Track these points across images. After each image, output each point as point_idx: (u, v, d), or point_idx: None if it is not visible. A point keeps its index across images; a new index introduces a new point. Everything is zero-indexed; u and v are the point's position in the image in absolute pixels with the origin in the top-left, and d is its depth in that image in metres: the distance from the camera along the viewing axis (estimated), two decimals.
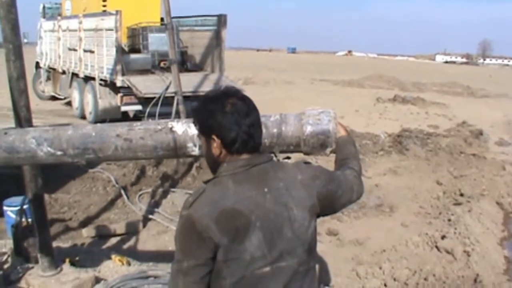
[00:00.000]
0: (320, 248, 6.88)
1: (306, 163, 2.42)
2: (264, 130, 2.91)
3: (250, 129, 2.18)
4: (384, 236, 7.91)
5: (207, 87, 13.31)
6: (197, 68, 15.36)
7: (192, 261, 2.08)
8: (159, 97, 12.33)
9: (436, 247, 7.06)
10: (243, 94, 2.27)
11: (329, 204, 2.38)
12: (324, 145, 2.98)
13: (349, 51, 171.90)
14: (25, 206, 5.53)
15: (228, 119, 2.15)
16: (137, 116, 13.91)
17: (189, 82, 13.25)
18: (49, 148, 3.28)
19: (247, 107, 2.21)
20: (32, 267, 5.29)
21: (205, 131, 2.24)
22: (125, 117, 14.14)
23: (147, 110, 12.67)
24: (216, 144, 2.19)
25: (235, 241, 2.06)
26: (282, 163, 2.41)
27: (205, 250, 2.07)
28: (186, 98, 11.28)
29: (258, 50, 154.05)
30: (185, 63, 15.35)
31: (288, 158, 5.84)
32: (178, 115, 10.85)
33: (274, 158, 2.38)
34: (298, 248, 2.20)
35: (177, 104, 11.13)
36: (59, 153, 3.29)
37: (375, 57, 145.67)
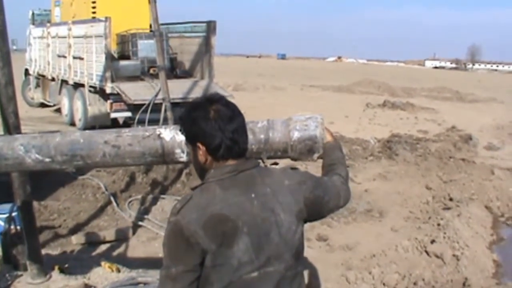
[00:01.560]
0: (310, 254, 6.91)
1: (293, 168, 2.43)
2: (251, 136, 2.93)
3: (234, 135, 2.18)
4: (374, 241, 7.92)
5: (196, 94, 13.34)
6: (187, 74, 15.38)
7: (180, 267, 2.09)
8: (149, 104, 12.34)
9: (426, 251, 7.07)
10: (227, 100, 2.28)
11: (316, 209, 2.38)
12: (312, 150, 3.00)
13: (339, 57, 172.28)
14: (13, 214, 5.51)
15: (212, 126, 2.16)
16: (127, 123, 13.91)
17: (179, 88, 13.27)
18: (37, 155, 3.28)
19: (231, 113, 2.22)
20: (21, 275, 5.27)
21: (190, 139, 2.26)
22: (114, 124, 14.13)
23: (137, 116, 12.67)
24: (201, 152, 2.20)
25: (222, 247, 2.07)
26: (269, 168, 2.42)
27: (193, 256, 2.08)
28: (175, 104, 11.28)
29: (248, 57, 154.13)
30: (175, 70, 15.39)
31: (276, 164, 5.85)
32: (166, 122, 10.84)
33: (262, 164, 2.40)
34: (285, 253, 2.20)
35: (165, 110, 11.11)
36: (47, 160, 3.29)
37: (365, 63, 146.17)
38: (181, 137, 3.04)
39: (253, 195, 2.17)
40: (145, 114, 12.25)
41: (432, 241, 7.30)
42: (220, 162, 2.21)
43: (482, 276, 6.61)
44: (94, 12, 15.18)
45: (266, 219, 2.16)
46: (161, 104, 11.69)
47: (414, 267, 6.60)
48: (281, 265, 2.19)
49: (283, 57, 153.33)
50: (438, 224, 8.22)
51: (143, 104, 12.54)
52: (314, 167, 8.64)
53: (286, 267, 2.21)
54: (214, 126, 2.16)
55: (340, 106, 24.22)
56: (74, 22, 15.45)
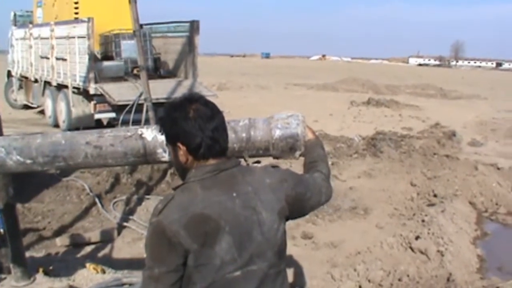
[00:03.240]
0: (295, 251, 6.94)
1: (274, 166, 2.43)
2: (233, 135, 2.93)
3: (214, 133, 2.19)
4: (359, 238, 7.96)
5: (180, 94, 13.06)
6: (171, 74, 15.32)
7: (163, 268, 2.09)
8: (133, 104, 12.28)
9: (410, 247, 7.11)
10: (206, 99, 2.28)
11: (298, 207, 2.39)
12: (293, 148, 3.01)
13: (323, 55, 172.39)
14: None
15: (192, 125, 2.16)
16: (111, 124, 13.82)
17: (163, 88, 13.23)
18: (18, 157, 3.27)
19: (211, 112, 2.22)
20: (5, 278, 5.23)
21: (171, 139, 2.26)
22: (98, 124, 14.04)
23: (121, 117, 12.62)
24: (182, 151, 2.21)
25: (205, 246, 2.07)
26: (250, 167, 2.43)
27: (175, 256, 2.08)
28: (159, 104, 11.23)
29: (232, 56, 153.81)
30: (158, 70, 15.33)
31: (258, 162, 5.85)
32: (149, 122, 10.80)
33: (243, 163, 2.40)
34: (268, 251, 2.21)
35: (147, 111, 11.07)
36: (28, 161, 3.28)
37: (349, 61, 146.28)
38: (163, 137, 3.04)
39: (234, 194, 2.17)
40: (129, 114, 12.20)
41: (417, 237, 7.34)
42: (201, 161, 2.21)
43: (466, 271, 6.67)
44: (76, 13, 15.04)
45: (248, 218, 2.16)
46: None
47: (399, 264, 6.63)
48: (264, 264, 2.20)
49: (267, 56, 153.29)
50: (423, 220, 8.27)
51: (127, 105, 12.48)
52: (297, 165, 8.66)
53: (269, 265, 2.21)
54: (194, 125, 2.16)
55: (324, 104, 24.28)
56: (56, 23, 15.31)
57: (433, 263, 6.65)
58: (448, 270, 6.40)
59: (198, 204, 2.10)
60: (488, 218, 9.41)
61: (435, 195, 9.81)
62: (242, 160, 2.65)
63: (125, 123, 12.00)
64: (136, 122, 11.44)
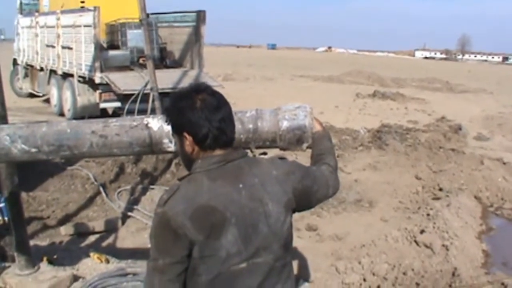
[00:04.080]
0: (300, 244, 6.93)
1: (281, 158, 2.41)
2: (239, 126, 2.91)
3: (221, 124, 2.17)
4: (364, 231, 7.94)
5: (186, 84, 13.14)
6: (177, 64, 15.32)
7: (167, 259, 2.08)
8: (138, 94, 12.28)
9: (415, 241, 7.09)
10: (213, 89, 2.26)
11: (305, 199, 2.37)
12: (301, 140, 2.98)
13: (329, 47, 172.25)
14: (1, 205, 5.47)
15: (198, 115, 2.14)
16: (116, 113, 13.86)
17: (168, 78, 13.22)
18: (23, 145, 3.24)
19: (217, 102, 2.20)
20: (9, 266, 5.23)
21: (176, 129, 2.24)
22: (104, 114, 14.06)
23: (126, 107, 12.63)
24: (188, 142, 2.19)
25: (210, 238, 2.06)
26: (256, 158, 2.40)
27: (180, 247, 2.06)
28: (165, 94, 11.22)
29: (238, 47, 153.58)
30: (164, 60, 15.33)
31: (265, 153, 5.81)
32: (154, 112, 10.78)
33: (250, 154, 2.38)
34: (274, 244, 2.19)
35: (153, 100, 11.06)
36: (33, 150, 3.25)
37: (355, 53, 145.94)
38: (169, 127, 3.01)
39: (241, 186, 2.15)
40: (135, 104, 12.20)
41: (422, 231, 7.32)
42: (207, 152, 2.19)
43: (471, 266, 6.64)
44: (82, 2, 15.02)
45: (255, 210, 2.15)
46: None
47: (404, 257, 6.61)
48: (270, 256, 2.18)
49: (273, 47, 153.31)
50: (428, 214, 8.25)
51: (132, 94, 12.48)
52: (303, 157, 8.63)
53: (274, 257, 2.20)
54: (201, 115, 2.14)
55: (330, 96, 24.23)
56: (62, 12, 15.29)
57: (438, 258, 6.62)
58: (453, 265, 6.37)
59: (204, 195, 2.08)
60: (493, 213, 9.37)
61: (440, 189, 9.78)
62: (248, 151, 2.62)
63: (130, 112, 12.00)
64: (142, 112, 11.41)
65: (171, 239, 2.06)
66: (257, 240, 2.14)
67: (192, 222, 2.03)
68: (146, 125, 3.16)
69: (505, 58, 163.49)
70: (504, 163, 11.60)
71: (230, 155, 2.21)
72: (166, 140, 3.14)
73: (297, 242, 6.87)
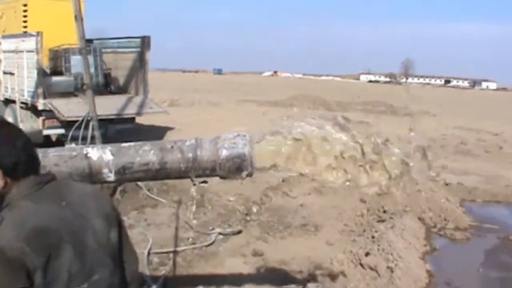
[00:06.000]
0: (246, 269, 6.91)
1: None
2: (179, 155, 2.92)
3: (27, 149, 2.14)
4: (309, 255, 7.98)
5: (131, 110, 13.25)
6: (121, 90, 15.19)
7: None
8: (82, 121, 12.11)
9: (360, 264, 7.17)
10: (4, 120, 2.30)
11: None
12: (240, 168, 3.01)
13: (275, 72, 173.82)
14: None
15: (2, 146, 2.08)
16: (60, 140, 13.60)
17: (113, 104, 13.12)
18: None
19: (13, 130, 2.20)
20: None
21: None
22: (47, 141, 13.79)
23: (70, 133, 12.42)
24: None
25: (51, 259, 1.98)
26: (67, 180, 2.45)
27: (20, 279, 1.93)
28: (110, 121, 11.14)
29: (184, 71, 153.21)
30: (109, 85, 15.20)
31: (205, 182, 5.83)
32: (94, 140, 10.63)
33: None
34: (104, 258, 2.20)
35: (93, 129, 10.89)
36: None
37: (301, 77, 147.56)
38: (108, 157, 3.00)
39: (64, 203, 2.13)
40: (79, 130, 12.03)
41: (367, 254, 7.41)
42: (20, 181, 2.11)
43: (415, 287, 6.76)
44: (25, 27, 14.83)
45: (81, 226, 2.14)
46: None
47: (349, 280, 6.67)
48: (105, 271, 2.18)
49: (219, 72, 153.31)
50: (373, 237, 8.34)
51: (76, 121, 12.31)
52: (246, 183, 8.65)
53: (110, 272, 2.21)
54: (4, 145, 2.08)
55: (275, 121, 24.35)
56: (4, 37, 15.05)
57: (383, 279, 6.72)
58: (398, 286, 6.48)
59: (33, 217, 2.01)
60: (436, 234, 9.59)
61: (384, 211, 9.92)
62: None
63: (74, 139, 11.81)
64: (86, 139, 11.26)
65: (8, 272, 1.92)
66: (89, 256, 2.12)
67: (29, 245, 1.93)
68: (86, 155, 3.14)
69: (447, 81, 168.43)
70: (447, 184, 11.89)
71: (43, 177, 2.18)
72: (105, 170, 3.12)
73: (243, 268, 6.87)
